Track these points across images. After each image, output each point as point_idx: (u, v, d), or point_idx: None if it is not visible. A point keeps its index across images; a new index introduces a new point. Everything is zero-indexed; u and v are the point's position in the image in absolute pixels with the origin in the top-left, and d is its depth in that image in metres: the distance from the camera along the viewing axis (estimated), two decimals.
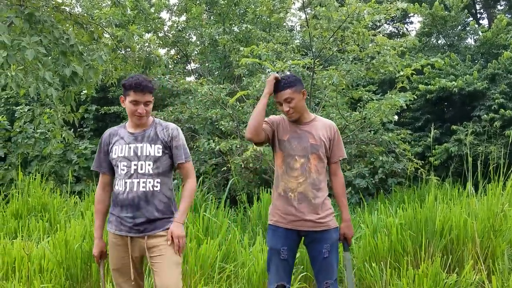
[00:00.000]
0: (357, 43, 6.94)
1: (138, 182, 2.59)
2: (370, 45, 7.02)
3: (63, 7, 6.06)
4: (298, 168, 2.80)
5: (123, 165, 2.62)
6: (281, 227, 2.82)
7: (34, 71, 4.96)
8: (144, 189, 2.60)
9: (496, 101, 9.39)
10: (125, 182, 2.60)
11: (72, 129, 6.45)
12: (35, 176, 6.19)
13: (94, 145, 10.13)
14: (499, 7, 16.40)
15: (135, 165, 2.62)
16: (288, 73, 7.47)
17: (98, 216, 2.76)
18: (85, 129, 10.97)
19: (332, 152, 2.93)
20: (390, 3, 7.01)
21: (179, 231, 2.61)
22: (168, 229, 2.64)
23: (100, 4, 12.55)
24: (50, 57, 5.22)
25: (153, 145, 2.66)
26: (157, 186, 2.63)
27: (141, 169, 2.61)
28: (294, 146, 2.83)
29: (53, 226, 5.05)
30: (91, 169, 2.82)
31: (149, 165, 2.62)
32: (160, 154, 2.66)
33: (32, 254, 3.80)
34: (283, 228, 2.81)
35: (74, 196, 6.53)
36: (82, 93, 9.50)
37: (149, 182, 2.61)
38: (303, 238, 2.88)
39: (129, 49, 7.22)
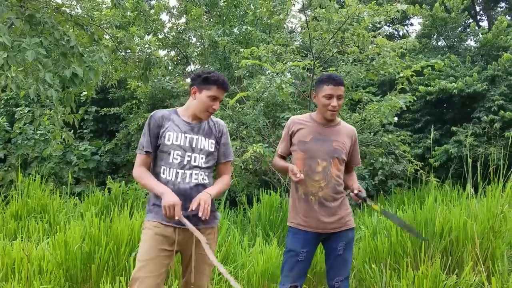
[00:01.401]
0: (357, 45, 6.95)
1: (191, 174, 2.53)
2: (370, 46, 7.03)
3: (63, 8, 6.08)
4: (320, 172, 2.80)
5: (177, 154, 2.53)
6: (301, 230, 2.82)
7: (34, 72, 4.97)
8: (196, 181, 2.54)
9: (496, 102, 9.40)
10: (177, 172, 2.52)
11: (72, 131, 6.44)
12: (35, 177, 6.19)
13: (94, 147, 10.15)
14: (499, 8, 16.42)
15: (188, 156, 2.54)
16: (288, 75, 7.50)
17: (151, 178, 2.53)
18: (85, 131, 10.99)
19: (350, 159, 2.96)
20: (390, 5, 7.01)
21: (205, 196, 2.49)
22: (213, 227, 2.64)
23: (100, 6, 12.56)
24: (50, 59, 5.23)
25: (207, 139, 2.62)
26: (206, 179, 2.59)
27: (195, 161, 2.55)
28: (317, 148, 2.82)
29: (52, 227, 5.04)
30: (140, 150, 2.56)
31: (202, 158, 2.57)
32: (213, 150, 2.64)
33: (31, 255, 3.79)
34: (304, 231, 2.82)
35: (74, 198, 6.53)
36: (82, 95, 9.53)
37: (201, 175, 2.56)
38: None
39: (129, 51, 7.23)
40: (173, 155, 2.53)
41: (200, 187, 2.54)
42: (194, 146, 2.57)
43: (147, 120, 2.61)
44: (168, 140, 2.54)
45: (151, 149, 2.56)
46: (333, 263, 2.84)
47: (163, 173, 2.53)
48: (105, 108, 10.66)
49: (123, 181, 6.88)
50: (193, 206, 2.42)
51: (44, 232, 4.80)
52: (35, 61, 4.74)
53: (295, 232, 2.84)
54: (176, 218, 2.37)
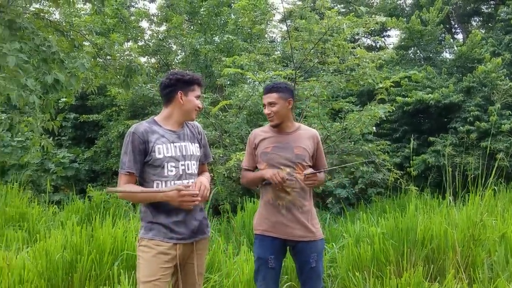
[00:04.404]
0: (337, 56, 7.05)
1: (188, 183, 2.49)
2: (350, 57, 7.13)
3: (42, 14, 5.99)
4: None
5: (171, 166, 2.47)
6: (268, 236, 2.83)
7: (15, 78, 4.87)
8: None
9: (471, 113, 9.65)
10: (175, 184, 2.45)
11: (51, 138, 6.31)
12: (13, 185, 6.05)
13: (72, 154, 9.98)
14: (473, 22, 16.91)
15: (182, 165, 2.50)
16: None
17: (139, 189, 2.44)
18: (63, 138, 10.81)
19: (315, 162, 2.97)
20: (368, 17, 7.15)
21: (206, 182, 2.52)
22: (208, 236, 2.64)
23: (79, 12, 12.43)
24: (30, 64, 5.14)
25: (193, 144, 2.61)
26: None
27: (189, 169, 2.52)
28: (278, 156, 2.84)
29: (32, 236, 4.93)
30: (126, 171, 2.43)
31: (193, 164, 2.56)
32: (199, 153, 2.63)
33: (11, 264, 3.70)
34: (271, 237, 2.82)
35: (53, 206, 6.39)
36: (60, 101, 9.38)
37: None
38: (288, 247, 2.90)
39: (110, 57, 7.15)
40: (168, 167, 2.47)
41: None
42: (185, 153, 2.54)
43: (127, 138, 2.48)
44: (159, 153, 2.46)
45: (135, 169, 2.44)
46: (307, 276, 2.84)
47: (157, 188, 2.46)
48: (84, 115, 10.53)
49: (104, 189, 6.78)
50: (202, 193, 2.44)
51: (23, 241, 4.69)
52: (15, 67, 4.65)
53: (262, 239, 2.86)
54: (199, 199, 2.40)
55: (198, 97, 2.59)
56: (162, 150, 2.47)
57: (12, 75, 5.10)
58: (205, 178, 2.58)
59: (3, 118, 7.29)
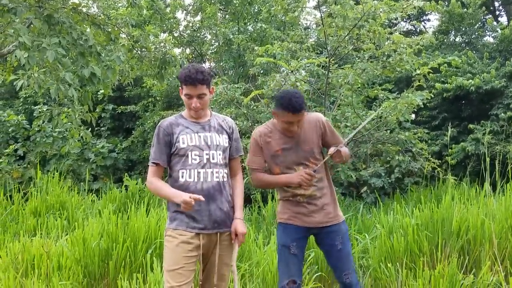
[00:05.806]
0: (373, 42, 6.87)
1: (212, 172, 2.53)
2: (386, 43, 6.94)
3: (80, 8, 6.15)
4: None
5: (195, 155, 2.53)
6: (291, 224, 2.85)
7: (54, 71, 5.05)
8: (217, 179, 2.54)
9: None
10: (198, 172, 2.52)
11: (90, 128, 6.52)
12: (54, 174, 6.29)
13: (111, 144, 10.28)
14: None
15: (207, 154, 2.54)
16: (303, 72, 7.47)
17: (165, 187, 2.53)
18: (102, 128, 11.14)
19: (333, 141, 2.88)
20: (406, 1, 6.93)
21: (243, 228, 2.58)
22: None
23: (116, 4, 12.68)
24: (68, 58, 5.30)
25: (220, 135, 2.63)
26: (225, 177, 2.60)
27: (213, 159, 2.55)
28: (289, 157, 2.83)
29: (71, 224, 5.13)
30: (153, 162, 2.57)
31: (219, 154, 2.58)
32: (227, 145, 2.64)
33: (51, 251, 3.87)
34: (294, 225, 2.84)
35: (92, 194, 6.62)
36: (99, 93, 9.65)
37: (220, 172, 2.56)
38: (312, 236, 2.92)
39: (145, 49, 7.28)
40: (191, 156, 2.53)
41: (222, 185, 2.57)
42: (210, 143, 2.57)
43: (155, 132, 2.61)
44: (183, 143, 2.54)
45: (161, 160, 2.56)
46: (336, 259, 2.84)
47: (182, 177, 2.53)
48: (121, 106, 10.81)
49: (140, 179, 6.96)
50: (239, 241, 2.58)
51: (62, 229, 4.88)
52: (55, 61, 4.81)
53: (285, 227, 2.87)
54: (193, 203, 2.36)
55: (188, 96, 2.53)
56: (186, 140, 2.55)
57: (51, 69, 5.30)
58: (239, 222, 2.60)
59: (44, 110, 7.60)
